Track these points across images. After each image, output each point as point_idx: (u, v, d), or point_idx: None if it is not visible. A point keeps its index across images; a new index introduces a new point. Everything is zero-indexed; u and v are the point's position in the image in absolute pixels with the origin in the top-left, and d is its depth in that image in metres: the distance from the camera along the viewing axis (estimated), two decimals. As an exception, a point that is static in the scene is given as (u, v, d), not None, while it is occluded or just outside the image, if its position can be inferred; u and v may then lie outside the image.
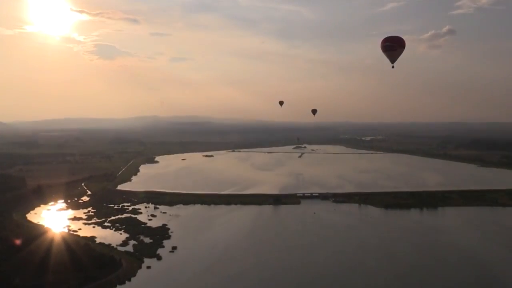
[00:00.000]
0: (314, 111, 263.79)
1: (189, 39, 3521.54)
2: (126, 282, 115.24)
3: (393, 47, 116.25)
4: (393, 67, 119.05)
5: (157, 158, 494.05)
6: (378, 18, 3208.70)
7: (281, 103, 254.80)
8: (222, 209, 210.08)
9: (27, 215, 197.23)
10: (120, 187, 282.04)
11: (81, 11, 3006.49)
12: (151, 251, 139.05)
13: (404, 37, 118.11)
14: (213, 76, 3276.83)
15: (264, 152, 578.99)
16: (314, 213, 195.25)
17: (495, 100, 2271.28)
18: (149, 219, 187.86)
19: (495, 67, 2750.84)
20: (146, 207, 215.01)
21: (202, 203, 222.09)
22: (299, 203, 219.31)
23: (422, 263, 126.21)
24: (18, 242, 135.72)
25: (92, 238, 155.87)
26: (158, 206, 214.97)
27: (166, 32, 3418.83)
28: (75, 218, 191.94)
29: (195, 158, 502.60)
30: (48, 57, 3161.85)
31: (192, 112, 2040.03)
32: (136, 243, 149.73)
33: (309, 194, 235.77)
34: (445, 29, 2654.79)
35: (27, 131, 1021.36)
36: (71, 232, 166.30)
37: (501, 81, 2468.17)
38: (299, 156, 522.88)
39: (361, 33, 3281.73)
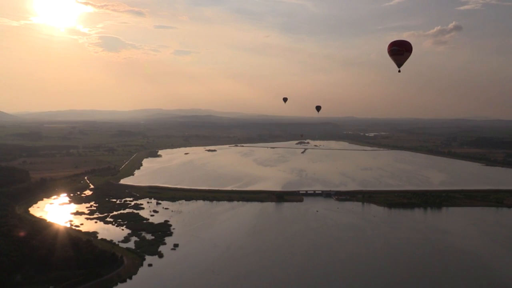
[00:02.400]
0: (318, 108, 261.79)
1: (194, 32, 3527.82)
2: (128, 280, 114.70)
3: (400, 51, 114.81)
4: (399, 71, 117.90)
5: (160, 152, 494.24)
6: (384, 12, 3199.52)
7: (285, 99, 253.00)
8: (224, 205, 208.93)
9: (30, 209, 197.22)
10: (123, 181, 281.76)
11: (86, 3, 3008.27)
12: (153, 248, 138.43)
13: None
14: (216, 69, 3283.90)
15: (267, 147, 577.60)
16: (317, 211, 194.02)
17: (501, 98, 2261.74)
18: (151, 215, 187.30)
19: (502, 64, 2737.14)
20: (148, 202, 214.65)
21: (204, 199, 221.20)
22: (301, 200, 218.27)
23: (427, 267, 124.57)
24: (20, 237, 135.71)
25: (94, 234, 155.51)
26: (160, 201, 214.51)
27: (171, 25, 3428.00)
28: (77, 213, 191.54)
29: (198, 153, 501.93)
30: (53, 49, 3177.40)
31: (195, 105, 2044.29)
32: (138, 239, 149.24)
33: (312, 192, 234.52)
34: (451, 25, 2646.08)
35: (31, 122, 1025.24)
36: (73, 227, 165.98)
37: (507, 79, 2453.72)
38: (302, 152, 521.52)
39: (366, 27, 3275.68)
